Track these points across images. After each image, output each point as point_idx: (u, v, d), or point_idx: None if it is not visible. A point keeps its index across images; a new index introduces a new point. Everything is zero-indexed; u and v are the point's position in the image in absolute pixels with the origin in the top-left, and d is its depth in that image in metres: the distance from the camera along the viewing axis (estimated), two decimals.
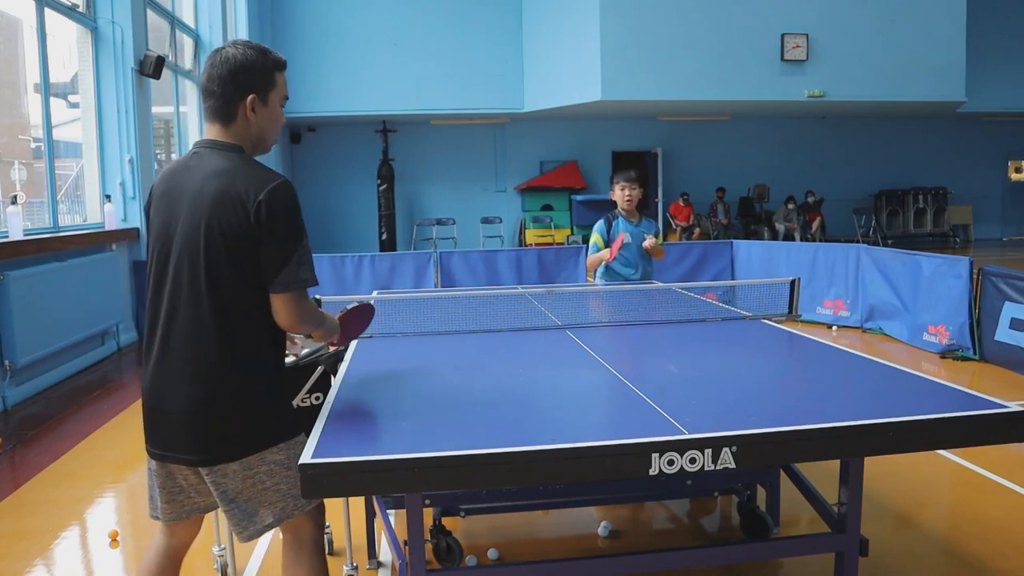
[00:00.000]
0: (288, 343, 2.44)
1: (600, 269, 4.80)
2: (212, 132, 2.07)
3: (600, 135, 16.93)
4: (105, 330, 7.36)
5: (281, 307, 1.99)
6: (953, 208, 17.85)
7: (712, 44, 13.42)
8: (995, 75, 16.22)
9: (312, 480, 1.83)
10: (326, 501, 2.16)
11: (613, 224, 4.76)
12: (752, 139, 17.43)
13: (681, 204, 15.81)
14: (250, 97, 2.03)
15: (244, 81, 2.02)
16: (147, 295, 2.07)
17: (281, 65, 2.11)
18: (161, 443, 2.02)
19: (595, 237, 4.77)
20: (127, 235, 8.08)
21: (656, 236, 4.78)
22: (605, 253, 4.68)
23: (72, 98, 8.45)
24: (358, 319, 2.49)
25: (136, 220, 8.27)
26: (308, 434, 2.08)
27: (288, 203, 1.97)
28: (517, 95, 15.30)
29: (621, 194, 4.72)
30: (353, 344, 3.25)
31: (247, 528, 2.05)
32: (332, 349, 2.74)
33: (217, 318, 1.95)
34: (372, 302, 2.53)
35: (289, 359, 2.76)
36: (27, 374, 5.97)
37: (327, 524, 3.32)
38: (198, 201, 1.97)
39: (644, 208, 4.70)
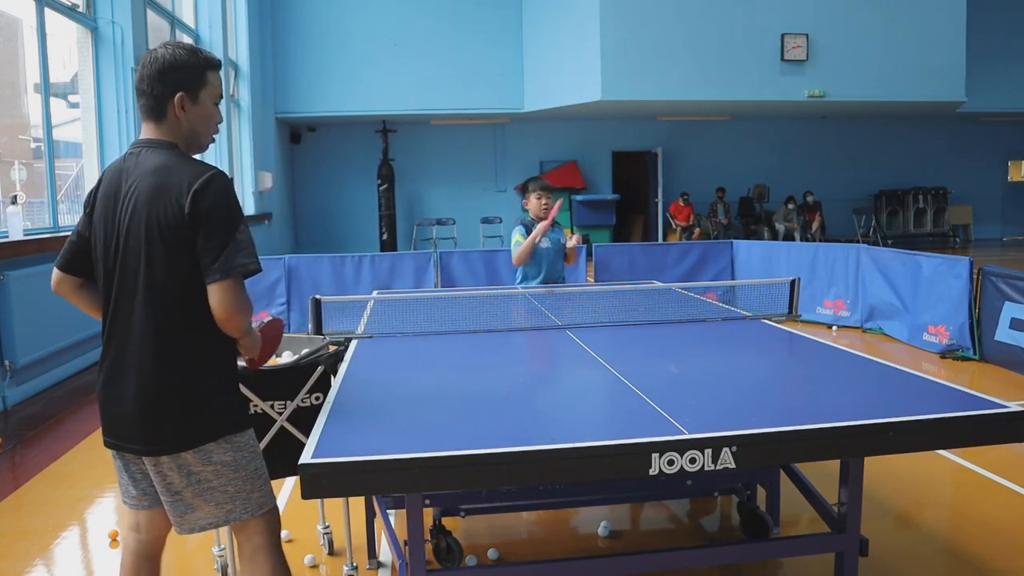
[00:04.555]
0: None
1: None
2: (147, 131, 2.10)
3: (600, 135, 16.93)
4: None
5: (216, 296, 1.97)
6: (953, 208, 17.85)
7: (712, 44, 13.42)
8: (995, 75, 16.22)
9: (312, 480, 1.83)
10: (327, 501, 2.16)
11: (531, 229, 4.88)
12: (752, 139, 17.42)
13: (681, 204, 15.80)
14: (178, 95, 2.06)
15: (172, 80, 2.05)
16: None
17: (214, 64, 2.12)
18: (113, 433, 2.07)
19: (517, 237, 4.81)
20: None
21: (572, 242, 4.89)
22: (540, 227, 4.69)
23: (72, 98, 8.44)
24: (273, 333, 2.36)
25: None
26: (307, 435, 2.08)
27: (221, 191, 1.98)
28: (517, 95, 15.29)
29: (537, 203, 4.80)
30: (353, 344, 3.25)
31: (181, 524, 2.07)
32: (332, 349, 2.74)
33: (155, 313, 1.98)
34: (279, 317, 2.48)
35: (290, 359, 2.76)
36: (27, 374, 5.96)
37: (327, 524, 3.32)
38: (135, 200, 1.99)
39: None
